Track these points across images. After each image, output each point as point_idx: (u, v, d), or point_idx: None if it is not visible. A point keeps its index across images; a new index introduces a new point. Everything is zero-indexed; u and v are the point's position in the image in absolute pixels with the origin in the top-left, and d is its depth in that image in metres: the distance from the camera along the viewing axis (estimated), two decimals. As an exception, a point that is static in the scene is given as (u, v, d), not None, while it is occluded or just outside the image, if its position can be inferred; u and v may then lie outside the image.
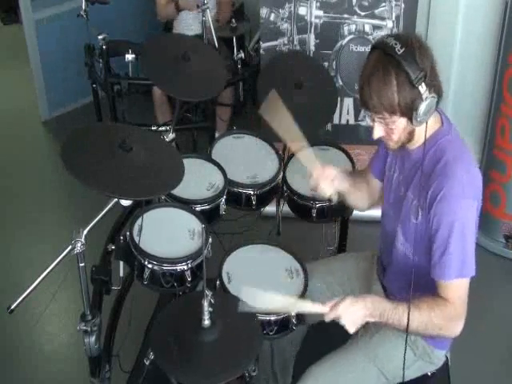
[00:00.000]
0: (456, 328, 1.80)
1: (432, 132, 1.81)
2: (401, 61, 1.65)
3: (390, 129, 1.77)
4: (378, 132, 1.79)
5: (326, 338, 2.11)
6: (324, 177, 2.06)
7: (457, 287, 1.77)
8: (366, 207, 2.21)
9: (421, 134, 1.80)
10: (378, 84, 1.68)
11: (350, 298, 1.77)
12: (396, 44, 1.67)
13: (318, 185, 2.07)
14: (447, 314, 1.77)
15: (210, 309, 1.68)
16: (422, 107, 1.68)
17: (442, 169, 1.76)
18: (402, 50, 1.66)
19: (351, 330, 1.77)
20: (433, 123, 1.81)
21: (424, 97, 1.67)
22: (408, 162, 1.89)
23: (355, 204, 2.21)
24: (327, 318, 1.78)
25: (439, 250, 1.76)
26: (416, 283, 1.77)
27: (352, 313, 1.76)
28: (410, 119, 1.72)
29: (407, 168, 1.90)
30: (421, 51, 1.68)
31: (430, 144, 1.80)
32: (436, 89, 1.71)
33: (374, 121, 1.78)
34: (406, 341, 1.83)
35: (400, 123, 1.74)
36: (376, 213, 2.16)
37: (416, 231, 1.85)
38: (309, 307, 1.82)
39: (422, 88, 1.67)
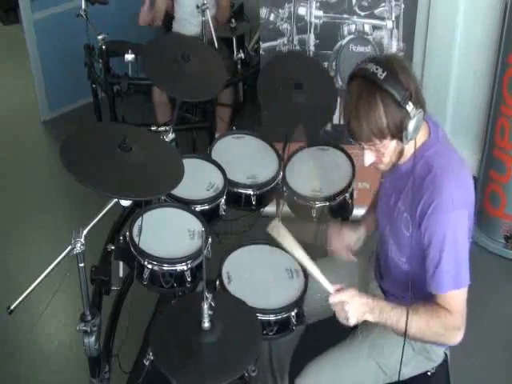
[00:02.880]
0: (455, 337, 1.80)
1: (419, 145, 1.80)
2: (385, 85, 1.64)
3: (381, 153, 1.77)
4: (369, 159, 1.79)
5: (324, 337, 2.11)
6: (343, 248, 2.15)
7: (453, 298, 1.77)
8: None
9: (409, 149, 1.79)
10: (365, 111, 1.67)
11: (356, 290, 1.80)
12: (377, 69, 1.65)
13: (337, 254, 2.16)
14: (446, 323, 1.78)
15: (210, 312, 1.68)
16: (412, 125, 1.68)
17: (430, 183, 1.75)
18: (384, 74, 1.64)
19: (352, 321, 1.78)
20: (420, 136, 1.79)
21: (412, 115, 1.67)
22: (397, 174, 1.88)
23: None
24: (332, 299, 1.79)
25: (432, 264, 1.76)
26: (412, 292, 1.77)
27: (356, 304, 1.78)
28: (401, 139, 1.71)
29: (396, 179, 1.89)
30: (403, 71, 1.67)
31: (417, 157, 1.79)
32: (421, 103, 1.71)
33: (363, 149, 1.78)
34: (404, 344, 1.82)
35: (391, 146, 1.74)
36: (376, 213, 2.16)
37: (409, 243, 1.84)
38: (321, 278, 1.85)
39: (409, 107, 1.66)
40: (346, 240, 2.18)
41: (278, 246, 2.21)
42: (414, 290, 1.78)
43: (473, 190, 1.80)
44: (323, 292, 2.16)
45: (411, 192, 1.79)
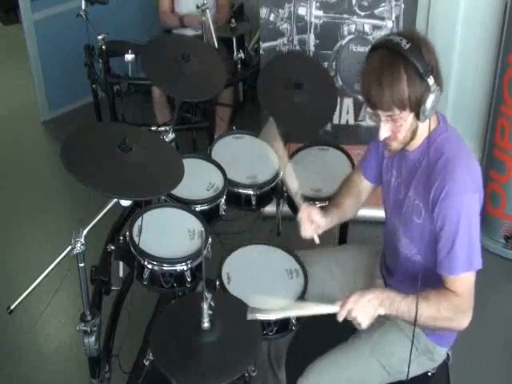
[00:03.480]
0: (464, 320, 1.80)
1: (430, 131, 1.82)
2: (408, 55, 1.67)
3: (397, 126, 1.77)
4: (385, 132, 1.79)
5: (319, 330, 2.11)
6: (308, 220, 2.02)
7: (464, 280, 1.79)
8: (351, 217, 2.21)
9: (420, 134, 1.81)
10: (388, 80, 1.69)
11: (358, 292, 1.78)
12: (401, 40, 1.68)
13: (301, 225, 2.03)
14: (455, 306, 1.78)
15: (210, 311, 1.68)
16: (430, 100, 1.70)
17: (442, 167, 1.77)
18: (408, 45, 1.68)
19: (364, 324, 1.76)
20: (431, 122, 1.81)
21: (432, 89, 1.69)
22: (406, 164, 1.90)
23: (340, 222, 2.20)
24: (340, 317, 1.77)
25: (446, 247, 1.78)
26: (423, 283, 1.77)
27: (363, 305, 1.75)
28: (417, 115, 1.73)
29: (406, 170, 1.90)
30: (425, 45, 1.71)
31: (427, 143, 1.81)
32: (440, 82, 1.73)
33: (380, 121, 1.78)
34: (414, 334, 1.83)
35: (408, 119, 1.75)
36: (376, 213, 2.17)
37: (420, 231, 1.85)
38: (320, 309, 1.82)
39: (431, 80, 1.69)
40: (315, 221, 2.04)
41: (278, 246, 2.22)
42: (425, 281, 1.77)
43: (481, 178, 1.82)
44: (326, 278, 2.17)
45: (423, 177, 1.81)
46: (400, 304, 1.76)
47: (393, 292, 1.80)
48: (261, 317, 1.77)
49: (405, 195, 1.90)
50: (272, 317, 1.83)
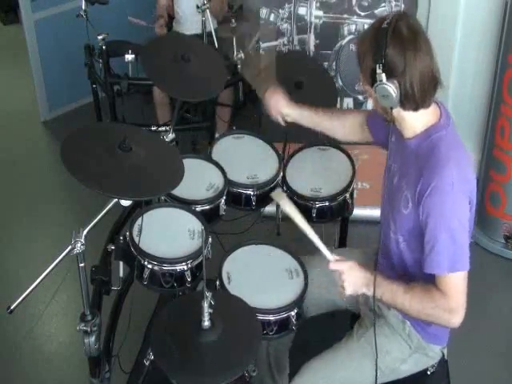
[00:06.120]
0: (452, 320, 1.81)
1: (428, 126, 1.82)
2: (375, 33, 1.72)
3: (364, 83, 1.82)
4: (361, 78, 1.85)
5: (321, 331, 2.12)
6: (274, 108, 2.29)
7: (450, 281, 1.78)
8: (327, 134, 2.32)
9: (412, 123, 1.82)
10: (361, 37, 1.80)
11: (355, 263, 1.87)
12: (387, 19, 1.72)
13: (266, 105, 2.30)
14: (440, 305, 1.79)
15: (210, 310, 1.68)
16: (379, 88, 1.72)
17: (432, 163, 1.77)
18: (384, 27, 1.71)
19: (348, 290, 1.86)
20: (430, 116, 1.82)
21: (378, 79, 1.71)
22: (403, 153, 1.90)
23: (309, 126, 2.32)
24: (331, 266, 1.88)
25: (429, 244, 1.78)
26: (408, 273, 1.82)
27: (354, 276, 1.86)
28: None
29: (402, 157, 1.91)
30: (395, 38, 1.70)
31: (423, 136, 1.82)
32: (394, 83, 1.71)
33: None
34: (375, 319, 1.92)
35: (367, 87, 1.80)
36: (376, 213, 2.16)
37: (405, 221, 1.86)
38: (320, 245, 1.90)
39: (379, 69, 1.70)
40: (279, 105, 2.31)
41: (278, 246, 2.22)
42: (409, 271, 1.81)
43: (474, 182, 1.82)
44: (322, 284, 2.17)
45: (414, 170, 1.81)
46: (384, 290, 1.84)
47: (381, 278, 1.86)
48: (284, 203, 1.96)
49: (398, 183, 1.91)
50: (292, 213, 1.95)
